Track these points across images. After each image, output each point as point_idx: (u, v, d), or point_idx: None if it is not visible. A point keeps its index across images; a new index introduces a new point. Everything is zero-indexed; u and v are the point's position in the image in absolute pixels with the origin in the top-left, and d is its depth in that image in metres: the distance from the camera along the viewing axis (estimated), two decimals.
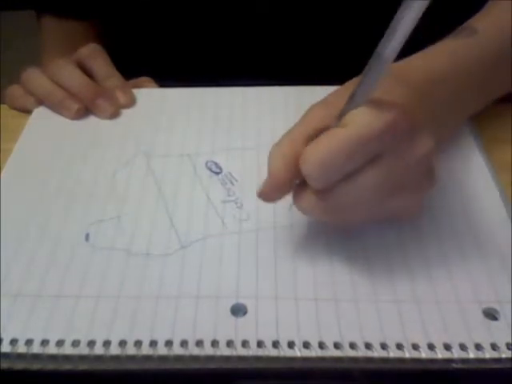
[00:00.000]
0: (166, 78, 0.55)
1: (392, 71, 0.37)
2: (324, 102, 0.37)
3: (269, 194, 0.36)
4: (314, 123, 0.35)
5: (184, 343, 0.33)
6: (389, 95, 0.34)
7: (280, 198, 0.36)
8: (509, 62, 0.46)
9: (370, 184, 0.33)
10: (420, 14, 0.30)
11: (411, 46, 0.41)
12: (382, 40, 0.31)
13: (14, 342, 0.33)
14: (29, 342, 0.33)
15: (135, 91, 0.53)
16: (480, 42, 0.44)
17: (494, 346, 0.33)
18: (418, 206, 0.37)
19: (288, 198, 0.42)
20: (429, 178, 0.36)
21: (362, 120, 0.33)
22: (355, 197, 0.34)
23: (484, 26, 0.45)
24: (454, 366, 0.32)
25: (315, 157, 0.33)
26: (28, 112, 0.52)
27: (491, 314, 0.34)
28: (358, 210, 0.35)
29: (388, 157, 0.33)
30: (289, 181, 0.35)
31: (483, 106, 0.47)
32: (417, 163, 0.34)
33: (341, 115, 0.34)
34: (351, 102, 0.33)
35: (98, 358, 0.33)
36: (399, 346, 0.33)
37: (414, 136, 0.34)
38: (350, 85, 0.37)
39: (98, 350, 0.33)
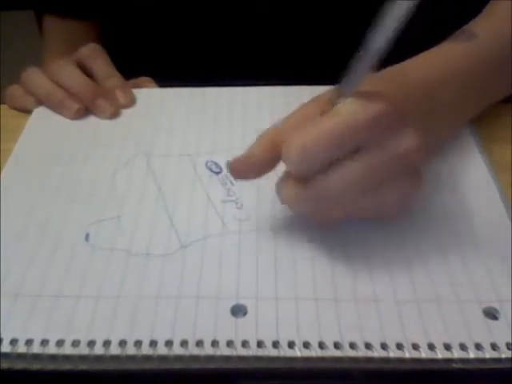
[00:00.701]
0: (166, 78, 0.55)
1: (391, 73, 0.38)
2: (316, 99, 0.37)
3: (237, 169, 0.37)
4: (304, 117, 0.36)
5: (184, 343, 0.33)
6: (380, 91, 0.35)
7: (246, 178, 0.38)
8: (509, 65, 0.46)
9: (352, 175, 0.34)
10: (409, 11, 0.30)
11: (411, 49, 0.41)
12: (370, 34, 0.32)
13: (13, 341, 0.33)
14: (29, 342, 0.33)
15: (135, 91, 0.53)
16: (480, 45, 0.44)
17: (494, 346, 0.33)
18: (401, 206, 0.37)
19: None
20: (414, 178, 0.36)
21: (348, 110, 0.33)
22: (336, 187, 0.34)
23: (484, 28, 0.45)
24: (454, 365, 0.32)
25: (297, 142, 0.33)
26: (28, 112, 0.52)
27: (491, 314, 0.34)
28: (339, 202, 0.35)
29: (371, 149, 0.34)
30: (261, 163, 0.36)
31: (484, 108, 0.47)
32: (400, 158, 0.34)
33: (329, 106, 0.34)
34: (340, 94, 0.34)
35: (98, 357, 0.33)
36: (399, 346, 0.33)
37: (399, 130, 0.34)
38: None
39: (98, 350, 0.33)
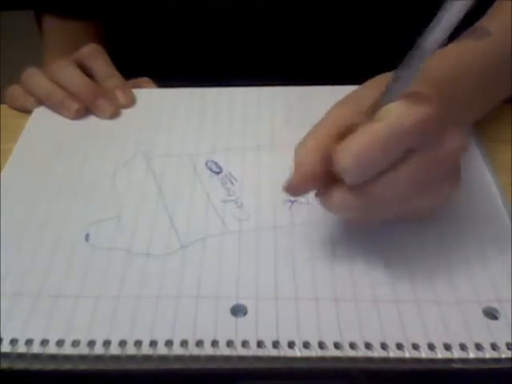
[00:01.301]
0: (166, 78, 0.55)
1: (424, 77, 0.37)
2: (344, 102, 0.37)
3: (297, 186, 0.35)
4: (338, 122, 0.35)
5: (184, 343, 0.33)
6: (421, 92, 0.34)
7: (306, 192, 0.36)
8: None
9: (404, 179, 0.33)
10: (467, 9, 0.29)
11: None
12: (425, 32, 0.31)
13: (13, 341, 0.33)
14: (29, 342, 0.33)
15: (135, 91, 0.53)
16: (493, 41, 0.44)
17: (494, 346, 0.33)
18: (439, 205, 0.37)
19: (286, 198, 0.42)
20: (455, 177, 0.36)
21: (399, 113, 0.32)
22: (388, 193, 0.34)
23: (495, 25, 0.45)
24: (454, 366, 0.32)
25: (351, 150, 0.33)
26: (28, 112, 0.52)
27: (491, 314, 0.34)
28: (390, 206, 0.35)
29: (421, 152, 0.33)
30: (318, 174, 0.35)
31: (493, 106, 0.47)
32: (448, 158, 0.34)
33: (374, 110, 0.33)
34: (386, 96, 0.33)
35: (98, 357, 0.33)
36: (399, 346, 0.33)
37: (446, 131, 0.34)
38: (372, 83, 0.37)
39: (98, 350, 0.33)
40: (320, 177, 0.35)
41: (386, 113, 0.33)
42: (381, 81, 0.36)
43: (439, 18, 0.30)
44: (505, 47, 0.45)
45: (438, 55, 0.42)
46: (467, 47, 0.44)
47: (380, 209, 0.35)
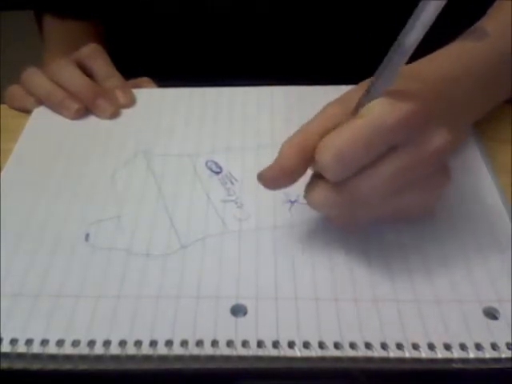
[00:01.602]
0: (166, 78, 0.55)
1: (405, 71, 0.37)
2: (337, 101, 0.37)
3: (271, 178, 0.36)
4: (327, 120, 0.35)
5: (184, 343, 0.33)
6: (407, 89, 0.34)
7: (280, 186, 0.36)
8: None
9: (386, 176, 0.33)
10: (442, 6, 0.30)
11: (421, 48, 0.41)
12: (404, 30, 0.31)
13: (13, 341, 0.33)
14: (29, 342, 0.33)
15: (135, 91, 0.53)
16: (492, 43, 0.44)
17: (494, 346, 0.33)
18: (431, 204, 0.37)
19: (287, 198, 0.42)
20: (443, 175, 0.36)
21: (380, 110, 0.33)
22: (370, 189, 0.34)
23: (494, 26, 0.45)
24: (454, 366, 0.32)
25: (332, 147, 0.33)
26: (28, 112, 0.52)
27: (491, 314, 0.34)
28: (372, 204, 0.35)
29: (403, 148, 0.33)
30: (295, 169, 0.35)
31: (489, 109, 0.47)
32: (431, 156, 0.34)
33: (358, 107, 0.34)
34: (369, 94, 0.33)
35: (98, 357, 0.33)
36: (399, 346, 0.33)
37: (430, 129, 0.34)
38: (366, 83, 0.37)
39: (98, 349, 0.33)
40: (296, 173, 0.35)
41: (369, 110, 0.33)
42: None
43: (416, 17, 0.30)
44: (504, 48, 0.45)
45: (436, 55, 0.43)
46: (467, 48, 0.43)
47: (364, 206, 0.35)
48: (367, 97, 0.33)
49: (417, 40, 0.31)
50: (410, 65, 0.39)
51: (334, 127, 0.34)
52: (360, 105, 0.34)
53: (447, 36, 0.44)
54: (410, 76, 0.38)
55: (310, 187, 0.36)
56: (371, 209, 0.35)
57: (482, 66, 0.43)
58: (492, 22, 0.46)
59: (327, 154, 0.33)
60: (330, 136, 0.33)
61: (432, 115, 0.34)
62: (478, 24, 0.46)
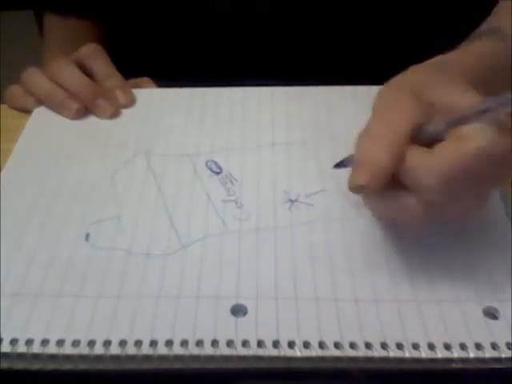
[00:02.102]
0: (166, 78, 0.55)
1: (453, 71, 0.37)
2: (401, 90, 0.35)
3: (371, 186, 0.33)
4: (407, 118, 0.34)
5: (184, 343, 0.33)
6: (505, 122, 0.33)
7: (374, 190, 0.34)
8: None
9: (475, 202, 0.34)
10: None
11: (425, 49, 0.41)
12: None
13: (13, 341, 0.33)
14: (29, 342, 0.33)
15: (135, 91, 0.53)
16: (503, 40, 0.44)
17: (494, 346, 0.33)
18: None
19: (287, 198, 0.42)
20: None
21: (488, 139, 0.31)
22: (459, 212, 0.34)
23: (507, 24, 0.45)
24: (454, 365, 0.32)
25: (441, 169, 0.32)
26: (28, 112, 0.52)
27: (491, 314, 0.34)
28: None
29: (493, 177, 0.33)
30: (390, 172, 0.33)
31: None
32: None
33: (455, 123, 0.33)
34: (476, 114, 0.32)
35: (98, 357, 0.33)
36: (399, 346, 0.33)
37: None
38: (418, 68, 0.36)
39: (98, 349, 0.33)
40: (389, 178, 0.33)
41: (475, 133, 0.32)
42: (427, 66, 0.35)
43: None
44: None
45: (455, 56, 0.41)
46: (481, 48, 0.43)
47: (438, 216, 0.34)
48: (473, 115, 0.32)
49: None
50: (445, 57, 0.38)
51: (417, 127, 0.33)
52: (459, 120, 0.32)
53: (451, 38, 0.44)
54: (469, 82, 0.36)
55: (395, 202, 0.34)
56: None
57: (499, 65, 0.42)
58: (504, 21, 0.45)
59: (434, 176, 0.32)
60: (435, 156, 0.32)
61: None
62: (489, 23, 0.45)
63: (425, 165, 0.32)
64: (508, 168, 0.33)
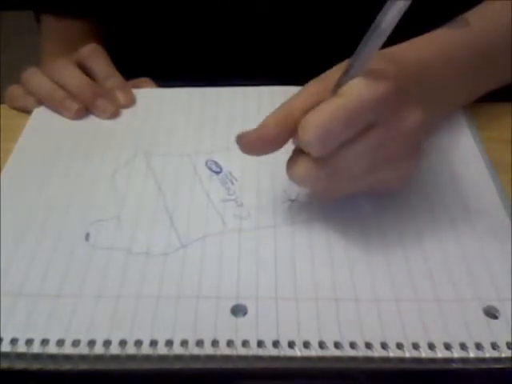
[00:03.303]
0: (166, 78, 0.55)
1: (385, 54, 0.39)
2: (320, 79, 0.38)
3: (248, 143, 0.37)
4: (311, 96, 0.37)
5: (184, 343, 0.33)
6: (384, 70, 0.36)
7: (254, 152, 0.38)
8: (499, 56, 0.47)
9: (364, 151, 0.35)
10: None
11: (405, 37, 0.42)
12: (381, 12, 0.32)
13: (14, 341, 0.33)
14: (29, 342, 0.33)
15: (135, 91, 0.53)
16: (472, 32, 0.45)
17: (494, 345, 0.33)
18: (403, 179, 0.39)
19: (287, 197, 0.42)
20: (416, 151, 0.38)
21: (359, 90, 0.34)
22: (349, 164, 0.36)
23: (477, 18, 0.46)
24: (454, 365, 0.32)
25: (315, 125, 0.34)
26: (28, 112, 0.52)
27: (491, 313, 0.34)
28: (351, 178, 0.37)
29: (381, 126, 0.35)
30: (274, 139, 0.37)
31: (471, 99, 0.48)
32: (407, 134, 0.36)
33: (337, 86, 0.35)
34: (347, 74, 0.35)
35: (98, 357, 0.33)
36: (399, 346, 0.33)
37: (405, 108, 0.36)
38: (344, 64, 0.38)
39: (98, 349, 0.33)
40: (274, 143, 0.37)
41: (348, 89, 0.35)
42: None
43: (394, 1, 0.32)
44: (484, 38, 0.46)
45: (417, 40, 0.44)
46: (448, 35, 0.45)
47: (343, 180, 0.37)
48: (346, 76, 0.35)
49: (393, 22, 0.32)
50: (390, 48, 0.41)
51: (316, 104, 0.35)
52: (339, 84, 0.35)
53: (433, 26, 0.45)
54: (389, 58, 0.40)
55: (292, 162, 0.37)
56: (350, 182, 0.37)
57: (462, 55, 0.45)
58: (476, 14, 0.47)
59: (310, 131, 0.35)
60: (312, 114, 0.35)
61: (407, 95, 0.36)
62: (464, 15, 0.47)
63: (303, 122, 0.35)
64: (390, 112, 0.35)
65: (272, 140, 0.37)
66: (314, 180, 0.37)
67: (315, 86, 0.38)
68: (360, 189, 0.38)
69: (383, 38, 0.33)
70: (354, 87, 0.35)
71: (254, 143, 0.37)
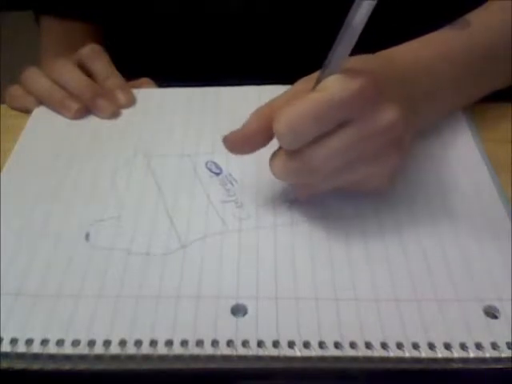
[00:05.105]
0: (166, 78, 0.55)
1: (380, 55, 0.40)
2: (308, 78, 0.39)
3: (233, 142, 0.39)
4: (295, 94, 0.37)
5: (184, 343, 0.33)
6: (361, 68, 0.36)
7: (239, 149, 0.39)
8: (500, 57, 0.47)
9: (337, 148, 0.35)
10: None
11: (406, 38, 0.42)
12: (351, 10, 0.33)
13: (13, 341, 0.33)
14: (29, 342, 0.33)
15: (135, 91, 0.53)
16: (472, 33, 0.45)
17: (494, 345, 0.33)
18: (384, 179, 0.39)
19: (286, 197, 0.42)
20: (396, 149, 0.38)
21: (333, 85, 0.35)
22: (322, 159, 0.36)
23: (478, 19, 0.46)
24: (454, 365, 0.32)
25: (286, 117, 0.35)
26: (28, 112, 0.52)
27: (491, 313, 0.34)
28: (325, 174, 0.37)
29: (355, 123, 0.35)
30: (256, 137, 0.38)
31: (472, 100, 0.48)
32: (383, 131, 0.36)
33: (316, 83, 0.36)
34: (325, 71, 0.36)
35: (98, 357, 0.33)
36: (399, 346, 0.33)
37: (381, 104, 0.36)
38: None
39: (98, 349, 0.33)
40: (256, 140, 0.38)
41: (324, 85, 0.35)
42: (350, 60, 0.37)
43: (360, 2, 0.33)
44: (483, 39, 0.46)
45: (415, 41, 0.44)
46: (446, 37, 0.45)
47: (317, 176, 0.37)
48: (323, 74, 0.36)
49: (362, 21, 0.33)
50: (386, 50, 0.42)
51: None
52: (318, 81, 0.36)
53: (434, 27, 0.46)
54: (372, 59, 0.40)
55: (272, 156, 0.38)
56: (326, 179, 0.37)
57: (462, 56, 0.45)
58: (476, 15, 0.47)
59: (281, 123, 0.35)
60: (285, 107, 0.36)
61: (384, 91, 0.36)
62: (465, 16, 0.47)
63: (276, 115, 0.36)
64: (365, 110, 0.35)
65: (254, 136, 0.38)
66: (286, 173, 0.38)
67: (301, 84, 0.38)
68: (339, 186, 0.38)
69: (355, 36, 0.34)
70: (328, 84, 0.35)
71: (237, 141, 0.38)
